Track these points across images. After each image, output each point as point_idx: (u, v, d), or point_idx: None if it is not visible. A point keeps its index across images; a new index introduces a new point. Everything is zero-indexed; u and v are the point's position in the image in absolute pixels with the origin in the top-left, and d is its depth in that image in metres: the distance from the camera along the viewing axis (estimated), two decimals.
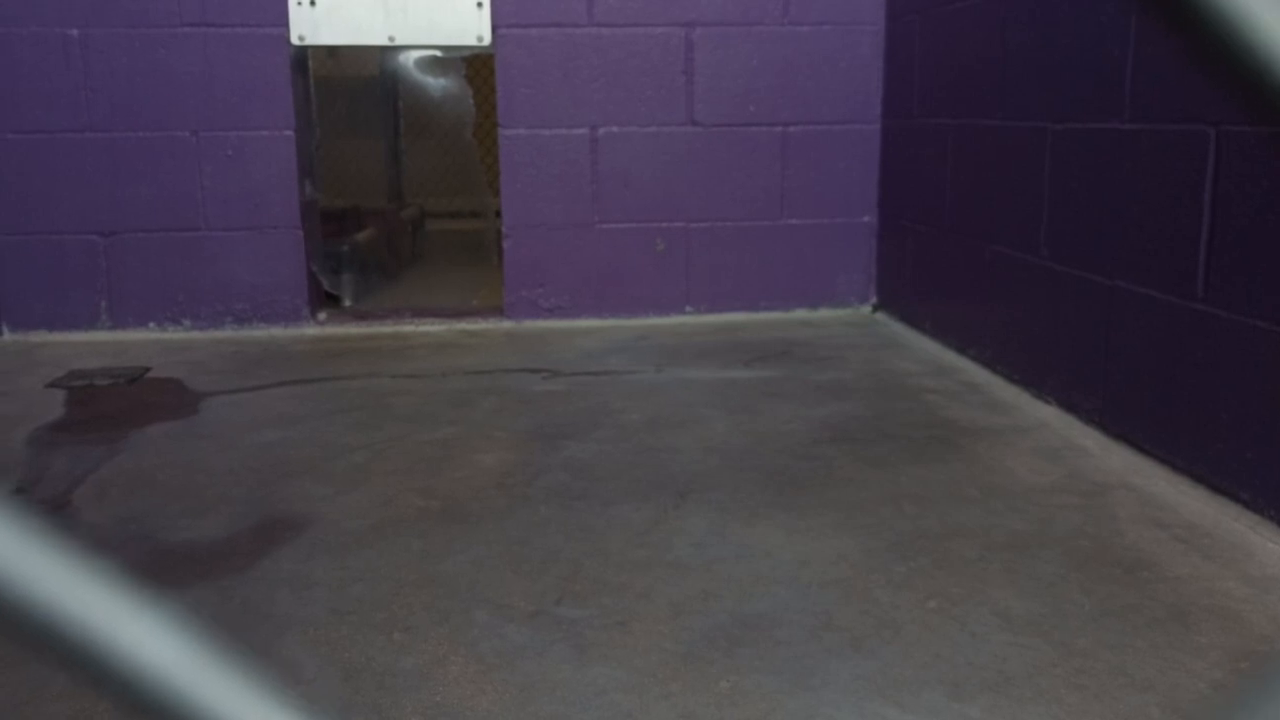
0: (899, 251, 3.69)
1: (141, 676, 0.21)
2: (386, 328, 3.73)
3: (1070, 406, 2.54)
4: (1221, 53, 0.23)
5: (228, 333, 3.65)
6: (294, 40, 3.53)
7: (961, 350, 3.17)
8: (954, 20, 3.14)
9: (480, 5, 3.56)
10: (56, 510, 2.06)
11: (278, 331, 3.66)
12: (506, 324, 3.75)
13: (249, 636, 1.55)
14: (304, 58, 3.71)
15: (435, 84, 5.54)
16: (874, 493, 2.10)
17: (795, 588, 1.69)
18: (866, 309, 3.88)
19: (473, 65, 5.35)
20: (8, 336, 3.60)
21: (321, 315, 3.78)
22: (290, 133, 3.58)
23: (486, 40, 3.60)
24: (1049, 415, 2.57)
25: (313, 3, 3.50)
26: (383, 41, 3.60)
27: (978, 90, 3.00)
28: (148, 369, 3.16)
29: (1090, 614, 1.58)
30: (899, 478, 2.18)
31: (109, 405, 2.80)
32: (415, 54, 5.36)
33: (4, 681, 1.44)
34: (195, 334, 3.63)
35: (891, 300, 3.77)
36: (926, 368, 3.08)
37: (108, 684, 0.21)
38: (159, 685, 0.21)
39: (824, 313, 3.85)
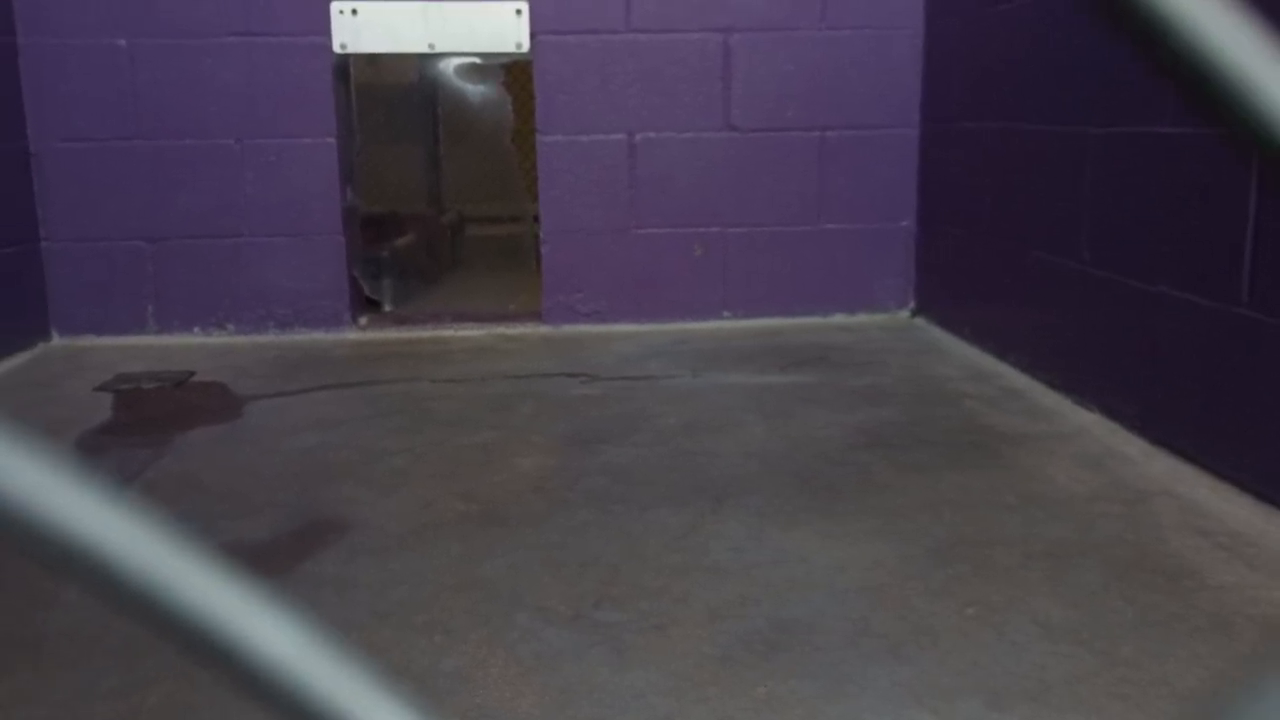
0: (938, 256, 3.67)
1: (269, 667, 0.23)
2: (426, 332, 3.76)
3: (1112, 413, 2.52)
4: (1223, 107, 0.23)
5: (270, 337, 3.70)
6: (336, 48, 3.57)
7: (1001, 356, 3.14)
8: (993, 23, 3.13)
9: (519, 12, 3.59)
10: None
11: (319, 336, 3.71)
12: (545, 329, 3.77)
13: None
14: (345, 65, 3.76)
15: (474, 90, 5.58)
16: (912, 499, 2.09)
17: (832, 593, 1.69)
18: (905, 314, 3.86)
19: (511, 72, 5.39)
20: (56, 341, 3.67)
21: (362, 320, 3.82)
22: (332, 140, 3.63)
23: (525, 47, 3.62)
24: (1090, 422, 2.55)
25: (354, 11, 3.55)
26: (423, 49, 3.64)
27: (1017, 94, 2.98)
28: (192, 373, 3.22)
29: (1132, 623, 1.57)
30: (937, 484, 2.17)
31: (155, 409, 2.85)
32: (455, 61, 5.41)
33: (54, 683, 1.47)
34: (239, 338, 3.69)
35: (930, 305, 3.75)
36: (965, 373, 3.06)
37: (233, 673, 0.23)
38: (286, 677, 0.23)
39: (862, 318, 3.84)
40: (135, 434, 2.62)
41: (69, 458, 0.23)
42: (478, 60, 5.21)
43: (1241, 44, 0.22)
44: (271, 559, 1.87)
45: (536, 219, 3.82)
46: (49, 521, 0.22)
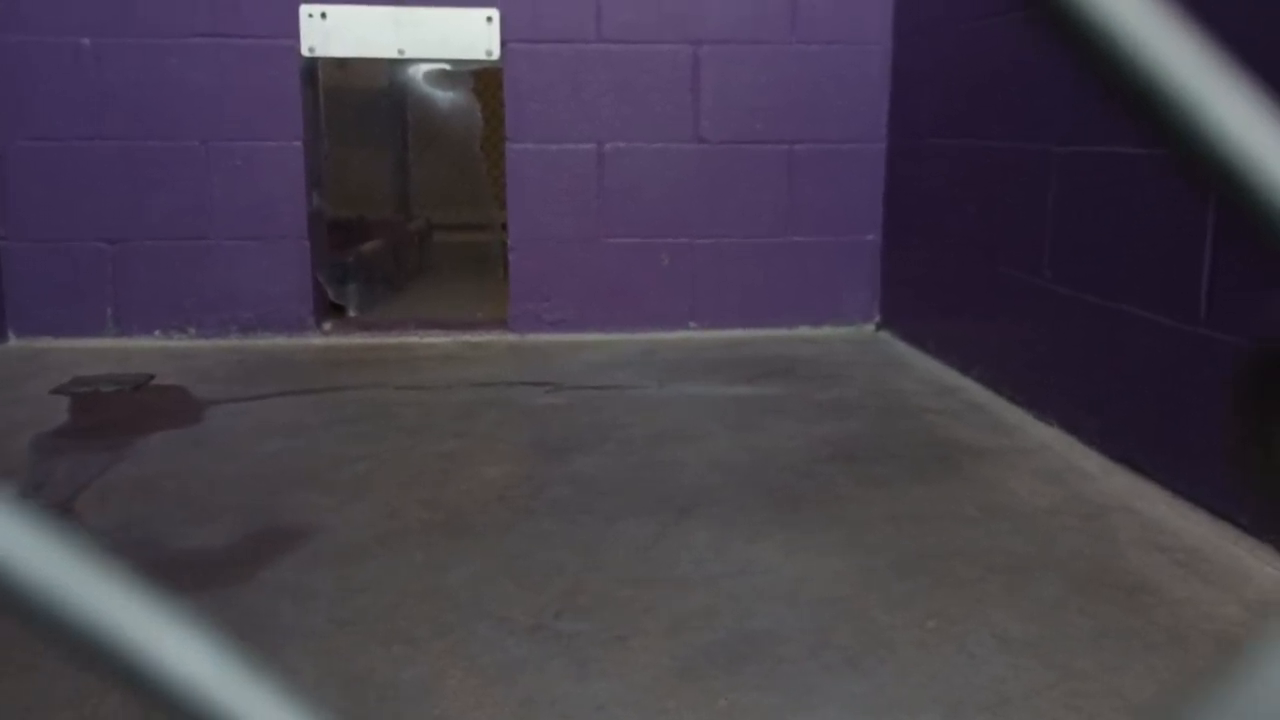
0: (903, 270, 3.70)
1: (177, 685, 0.22)
2: (391, 339, 3.74)
3: (1072, 428, 2.55)
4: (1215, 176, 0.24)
5: (233, 341, 3.66)
6: (304, 52, 3.55)
7: (964, 370, 3.17)
8: (960, 41, 3.16)
9: (490, 20, 3.58)
10: (59, 517, 2.07)
11: (283, 341, 3.68)
12: (511, 337, 3.76)
13: (251, 646, 1.56)
14: (314, 69, 3.74)
15: (444, 97, 5.57)
16: (875, 511, 2.10)
17: (795, 605, 1.70)
18: (870, 327, 3.89)
19: (481, 79, 5.38)
20: (14, 342, 3.61)
21: (327, 325, 3.79)
22: (299, 143, 3.60)
23: (495, 55, 3.62)
24: (1050, 437, 2.57)
25: (324, 15, 3.53)
26: (392, 54, 3.63)
27: (983, 111, 3.01)
28: (152, 376, 3.18)
29: (1089, 636, 1.59)
30: (900, 497, 2.19)
31: (113, 412, 2.81)
32: (424, 67, 5.39)
33: (7, 690, 1.44)
34: (200, 342, 3.65)
35: (895, 319, 3.78)
36: (929, 387, 3.08)
37: (144, 692, 0.22)
38: (194, 694, 0.22)
39: (827, 330, 3.86)
40: (93, 438, 2.58)
41: None
42: (448, 67, 5.19)
43: (1186, 60, 0.22)
44: (230, 566, 1.84)
45: (504, 227, 3.81)
46: None
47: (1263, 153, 0.22)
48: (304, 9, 3.52)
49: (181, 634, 0.23)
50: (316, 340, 3.70)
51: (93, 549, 0.23)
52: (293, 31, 3.53)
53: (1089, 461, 2.38)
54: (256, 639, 1.58)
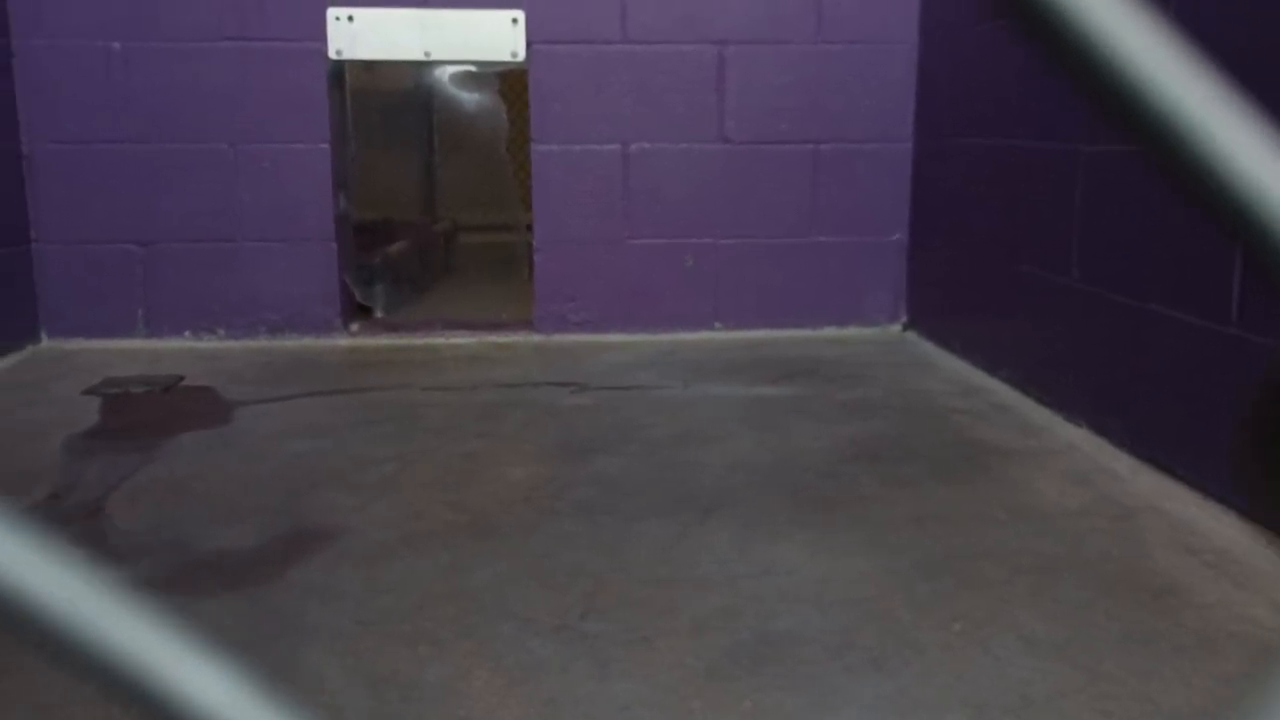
0: (929, 270, 3.68)
1: (193, 712, 0.23)
2: (417, 340, 3.76)
3: (1100, 429, 2.52)
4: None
5: (261, 343, 3.69)
6: (331, 54, 3.58)
7: (991, 371, 3.15)
8: (986, 40, 3.14)
9: (515, 21, 3.59)
10: (90, 517, 2.09)
11: (310, 342, 3.70)
12: (536, 337, 3.77)
13: (277, 646, 1.57)
14: (341, 71, 3.76)
15: (469, 98, 5.59)
16: (899, 512, 2.09)
17: (818, 606, 1.69)
18: (895, 328, 3.87)
19: (507, 80, 5.39)
20: (45, 343, 3.66)
21: (353, 326, 3.82)
22: (325, 146, 3.63)
23: (521, 56, 3.63)
24: (1079, 438, 2.55)
25: (350, 18, 3.55)
26: (419, 56, 3.64)
27: (1010, 110, 2.99)
28: (181, 378, 3.21)
29: (1116, 639, 1.57)
30: (925, 498, 2.18)
31: (143, 413, 2.84)
32: (450, 69, 5.41)
33: (35, 685, 1.46)
34: (229, 343, 3.68)
35: (921, 319, 3.76)
36: (955, 388, 3.06)
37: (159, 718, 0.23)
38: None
39: (852, 331, 3.85)
40: (123, 438, 2.61)
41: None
42: (473, 68, 5.21)
43: (1178, 80, 0.22)
44: (257, 566, 1.86)
45: (529, 228, 3.82)
46: None
47: (1257, 171, 0.22)
48: (331, 12, 3.54)
49: (197, 659, 0.23)
50: (343, 341, 3.72)
51: (102, 571, 0.24)
52: (320, 34, 3.56)
53: (1118, 462, 2.36)
54: (283, 639, 1.59)
